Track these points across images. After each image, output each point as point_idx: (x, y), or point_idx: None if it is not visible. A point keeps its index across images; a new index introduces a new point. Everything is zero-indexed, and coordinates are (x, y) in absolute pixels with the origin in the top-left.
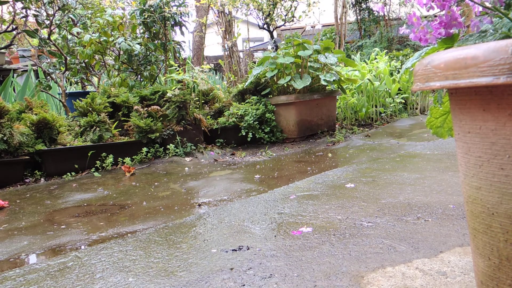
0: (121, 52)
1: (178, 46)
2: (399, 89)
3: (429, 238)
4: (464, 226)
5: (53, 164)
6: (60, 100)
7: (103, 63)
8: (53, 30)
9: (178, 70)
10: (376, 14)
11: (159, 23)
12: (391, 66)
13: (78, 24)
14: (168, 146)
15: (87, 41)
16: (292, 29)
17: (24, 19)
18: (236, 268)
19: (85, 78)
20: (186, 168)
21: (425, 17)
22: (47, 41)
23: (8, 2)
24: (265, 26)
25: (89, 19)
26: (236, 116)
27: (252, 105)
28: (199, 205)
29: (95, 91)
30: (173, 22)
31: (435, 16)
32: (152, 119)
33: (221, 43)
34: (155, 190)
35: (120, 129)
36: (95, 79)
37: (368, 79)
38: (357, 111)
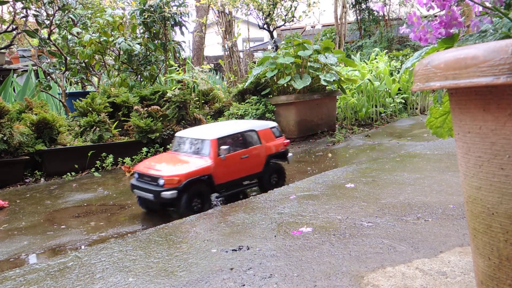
0: (121, 52)
1: (178, 46)
2: (399, 89)
3: (429, 238)
4: (464, 226)
5: (53, 164)
6: (60, 100)
7: (103, 63)
8: (53, 30)
9: (178, 70)
10: (376, 14)
11: (159, 23)
12: (391, 66)
13: (78, 24)
14: (168, 146)
15: (87, 41)
16: (292, 29)
17: (24, 19)
18: (236, 268)
19: (85, 78)
20: None
21: (425, 17)
22: (47, 41)
23: (8, 2)
24: (265, 26)
25: (89, 19)
26: (236, 116)
27: (252, 105)
28: None
29: (95, 91)
30: (173, 22)
31: (435, 16)
32: (152, 119)
33: (221, 43)
34: None
35: (120, 129)
36: (95, 79)
37: (368, 79)
38: (357, 111)
